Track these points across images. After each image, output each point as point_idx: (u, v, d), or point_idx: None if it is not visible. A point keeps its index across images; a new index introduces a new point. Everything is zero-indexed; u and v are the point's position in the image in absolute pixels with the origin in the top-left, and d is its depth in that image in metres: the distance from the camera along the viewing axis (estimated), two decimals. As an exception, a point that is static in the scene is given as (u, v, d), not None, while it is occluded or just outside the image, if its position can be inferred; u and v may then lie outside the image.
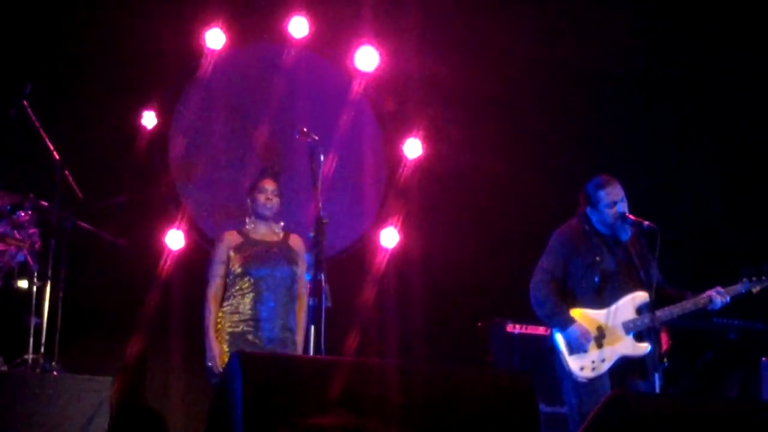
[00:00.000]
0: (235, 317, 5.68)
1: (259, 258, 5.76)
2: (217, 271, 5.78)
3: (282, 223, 5.96)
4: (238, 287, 5.73)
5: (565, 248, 5.62)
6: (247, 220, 5.91)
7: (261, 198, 5.85)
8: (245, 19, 7.65)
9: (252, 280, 5.71)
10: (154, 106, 7.32)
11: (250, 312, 5.68)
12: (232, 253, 5.78)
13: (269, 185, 5.88)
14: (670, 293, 5.62)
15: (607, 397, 3.94)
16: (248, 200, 5.93)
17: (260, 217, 5.87)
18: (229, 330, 5.67)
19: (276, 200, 5.88)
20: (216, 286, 5.77)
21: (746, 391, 7.01)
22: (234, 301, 5.71)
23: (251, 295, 5.70)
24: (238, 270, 5.74)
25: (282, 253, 5.83)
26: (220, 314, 5.72)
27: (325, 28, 7.75)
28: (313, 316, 5.00)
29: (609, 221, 5.59)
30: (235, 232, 5.88)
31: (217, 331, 5.69)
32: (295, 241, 5.92)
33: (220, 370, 5.52)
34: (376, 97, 7.98)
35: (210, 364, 5.63)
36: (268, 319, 5.69)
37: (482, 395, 3.88)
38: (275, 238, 5.90)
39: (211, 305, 5.73)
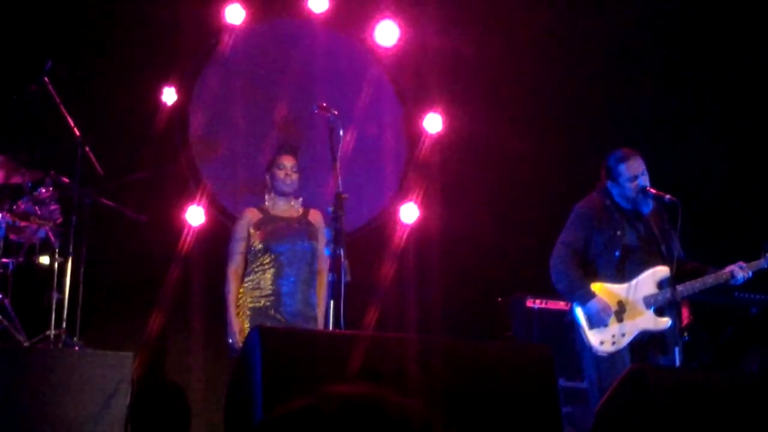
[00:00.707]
0: (257, 293, 5.73)
1: (280, 234, 5.79)
2: (238, 248, 5.83)
3: (301, 199, 5.99)
4: (259, 263, 5.77)
5: (585, 222, 5.60)
6: (266, 196, 5.95)
7: (280, 174, 5.88)
8: (264, -5, 7.63)
9: (273, 256, 5.76)
10: (174, 82, 7.30)
11: (271, 287, 5.72)
12: (252, 230, 5.83)
13: (288, 161, 5.90)
14: (692, 268, 5.59)
15: (626, 371, 3.94)
16: (267, 176, 5.96)
17: (279, 193, 5.91)
18: (251, 305, 5.71)
19: (295, 176, 5.91)
20: (237, 263, 5.81)
21: (767, 365, 6.97)
22: (255, 277, 5.75)
23: (272, 270, 5.74)
24: (259, 246, 5.78)
25: (302, 229, 5.86)
26: (241, 290, 5.76)
27: (345, 2, 7.71)
28: (333, 291, 5.00)
29: (630, 195, 5.56)
30: (255, 209, 5.93)
31: (238, 306, 5.74)
32: (315, 217, 5.95)
33: (241, 346, 5.53)
34: (396, 72, 7.94)
35: (231, 340, 5.68)
36: (289, 294, 5.73)
37: (502, 369, 3.88)
38: (295, 214, 5.94)
39: (232, 282, 5.78)
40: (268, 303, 5.70)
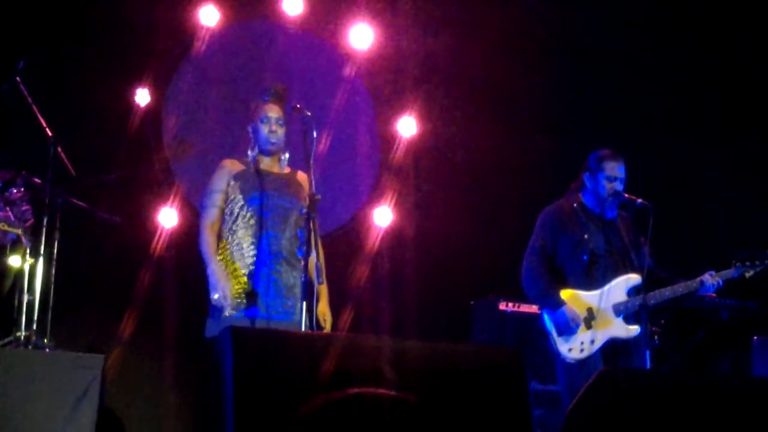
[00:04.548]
0: (237, 253, 5.17)
1: (263, 186, 5.23)
2: (215, 200, 5.23)
3: (287, 155, 5.41)
4: (238, 220, 5.20)
5: (553, 226, 5.62)
6: (249, 153, 5.35)
7: (264, 130, 5.29)
8: (239, -4, 7.63)
9: (253, 210, 5.19)
10: (148, 83, 7.28)
11: (253, 244, 5.17)
12: (232, 182, 5.25)
13: (273, 112, 5.31)
14: (662, 278, 5.62)
15: (596, 374, 3.95)
16: (249, 129, 5.37)
17: (264, 151, 5.34)
18: (232, 267, 5.17)
19: (281, 131, 5.32)
20: (212, 216, 5.21)
21: (737, 370, 7.02)
22: (236, 236, 5.18)
23: (254, 228, 5.18)
24: (239, 197, 5.21)
25: (289, 184, 5.32)
26: (220, 255, 5.19)
27: (320, 5, 7.72)
28: (306, 293, 4.94)
29: (603, 194, 5.57)
30: (236, 160, 5.35)
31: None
32: (303, 177, 5.37)
33: (230, 302, 5.03)
34: (371, 75, 7.95)
35: (216, 296, 5.03)
36: (273, 251, 5.18)
37: (474, 371, 3.88)
38: (281, 170, 5.38)
39: (208, 234, 5.17)
40: (250, 261, 5.16)
